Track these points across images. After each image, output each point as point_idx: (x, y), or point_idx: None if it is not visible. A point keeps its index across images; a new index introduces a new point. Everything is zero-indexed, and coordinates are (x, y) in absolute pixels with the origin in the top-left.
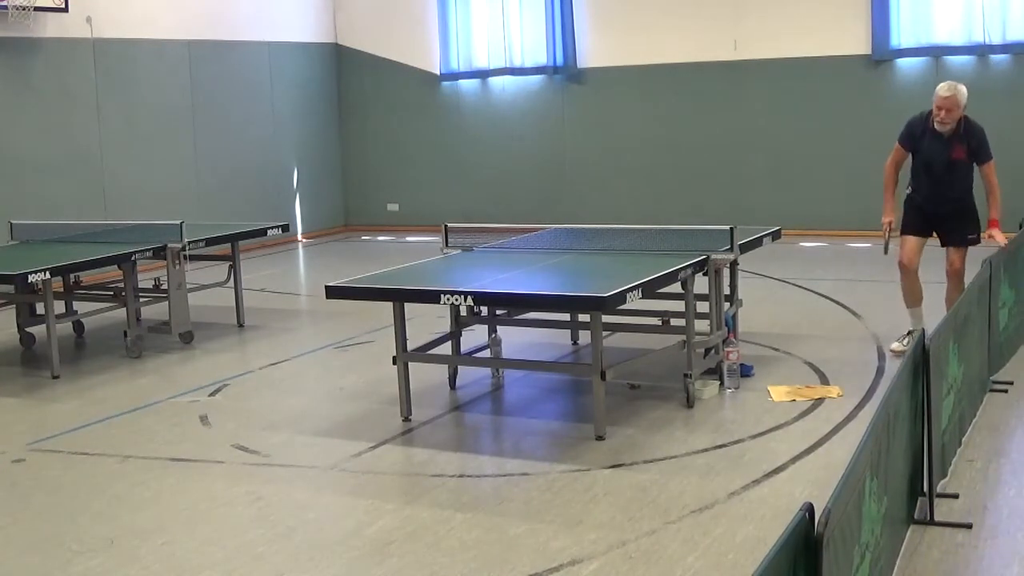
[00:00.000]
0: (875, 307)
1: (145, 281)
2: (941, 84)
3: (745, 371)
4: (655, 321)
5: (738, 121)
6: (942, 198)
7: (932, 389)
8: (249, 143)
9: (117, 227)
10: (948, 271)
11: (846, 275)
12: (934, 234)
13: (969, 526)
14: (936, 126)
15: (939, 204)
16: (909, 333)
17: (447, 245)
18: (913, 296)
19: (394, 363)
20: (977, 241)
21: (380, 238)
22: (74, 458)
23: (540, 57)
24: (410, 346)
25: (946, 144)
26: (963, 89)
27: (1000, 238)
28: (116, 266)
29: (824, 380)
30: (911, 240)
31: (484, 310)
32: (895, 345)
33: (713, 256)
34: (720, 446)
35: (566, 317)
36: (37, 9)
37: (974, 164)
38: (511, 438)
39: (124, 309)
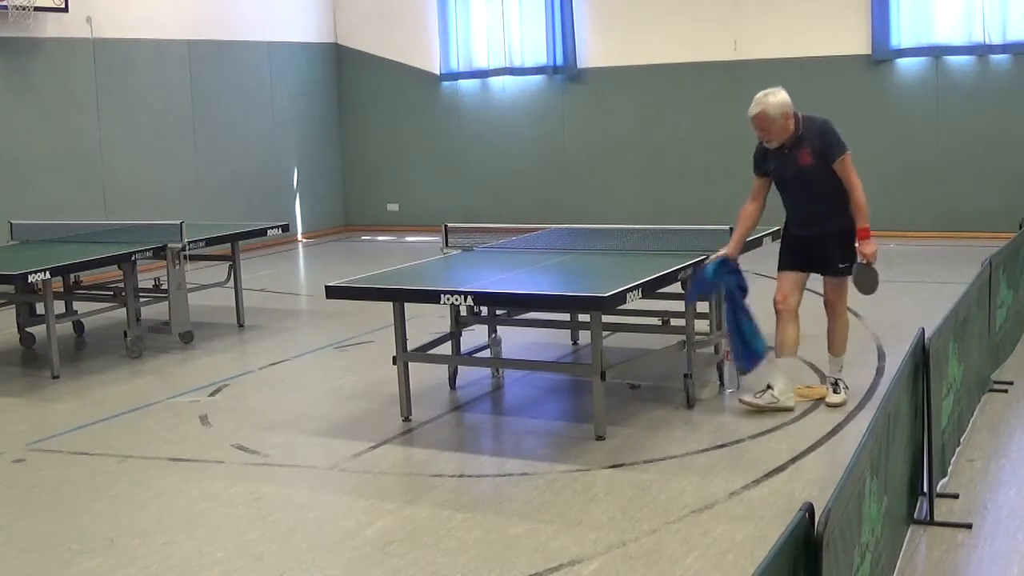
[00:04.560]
0: (875, 307)
1: (145, 281)
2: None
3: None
4: (655, 321)
5: (738, 121)
6: (805, 217)
7: (932, 389)
8: (249, 143)
9: (117, 227)
10: (824, 304)
11: None
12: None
13: (969, 526)
14: (767, 145)
15: (804, 226)
16: (768, 388)
17: (447, 245)
18: (785, 343)
19: (394, 363)
20: (851, 272)
21: (380, 238)
22: (74, 458)
23: (540, 57)
24: (410, 346)
25: (791, 153)
26: (772, 99)
27: (867, 252)
28: (116, 266)
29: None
30: (785, 276)
31: (484, 310)
32: (747, 397)
33: (713, 256)
34: (720, 446)
35: (566, 317)
36: (37, 9)
37: (835, 174)
38: (511, 438)
39: (124, 309)
